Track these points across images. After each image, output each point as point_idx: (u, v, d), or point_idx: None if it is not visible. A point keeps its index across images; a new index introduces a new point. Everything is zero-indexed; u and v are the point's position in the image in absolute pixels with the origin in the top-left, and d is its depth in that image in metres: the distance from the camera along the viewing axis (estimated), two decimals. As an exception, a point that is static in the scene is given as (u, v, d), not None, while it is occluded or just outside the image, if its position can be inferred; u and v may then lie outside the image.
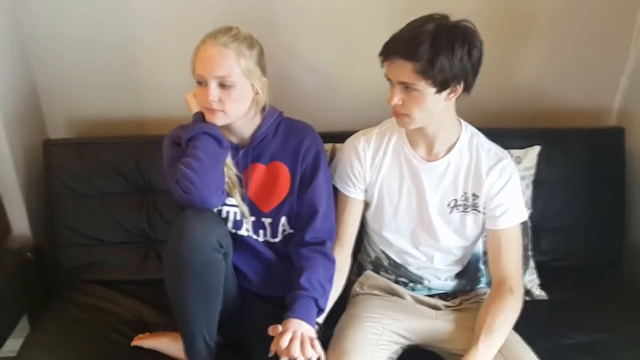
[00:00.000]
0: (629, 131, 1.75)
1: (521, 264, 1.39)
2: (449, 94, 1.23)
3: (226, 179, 1.31)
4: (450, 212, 1.38)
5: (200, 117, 1.28)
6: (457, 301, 1.46)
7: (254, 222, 1.38)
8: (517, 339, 1.32)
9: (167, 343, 1.42)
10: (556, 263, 1.72)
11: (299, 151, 1.35)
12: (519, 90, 1.83)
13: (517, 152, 1.61)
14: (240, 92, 1.25)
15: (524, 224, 1.54)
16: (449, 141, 1.35)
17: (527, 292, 1.60)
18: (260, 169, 1.36)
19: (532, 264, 1.64)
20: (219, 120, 1.26)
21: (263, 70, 1.30)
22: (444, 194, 1.38)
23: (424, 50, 1.15)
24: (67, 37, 1.67)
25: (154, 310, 1.56)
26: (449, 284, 1.48)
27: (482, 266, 1.51)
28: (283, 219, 1.37)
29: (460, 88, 1.23)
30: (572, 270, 1.71)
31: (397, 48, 1.19)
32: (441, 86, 1.20)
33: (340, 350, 1.27)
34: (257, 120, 1.35)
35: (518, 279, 1.36)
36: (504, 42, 1.75)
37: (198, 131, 1.25)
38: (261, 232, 1.39)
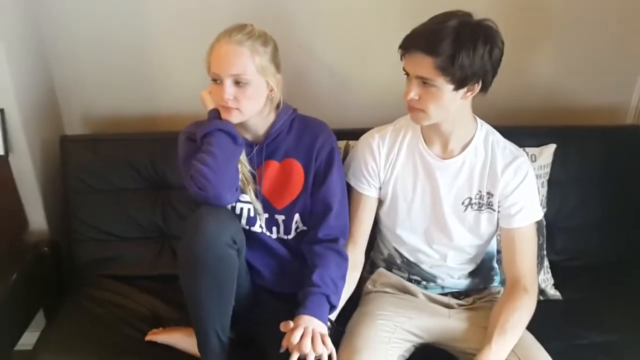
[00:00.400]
0: (646, 130, 1.73)
1: (536, 263, 1.38)
2: (466, 92, 1.22)
3: (240, 176, 1.32)
4: (465, 210, 1.37)
5: (215, 114, 1.29)
6: (470, 300, 1.46)
7: (267, 219, 1.38)
8: (531, 338, 1.31)
9: (181, 338, 1.44)
10: (570, 262, 1.71)
11: (313, 148, 1.35)
12: (533, 88, 1.82)
13: (532, 150, 1.59)
14: (255, 90, 1.25)
15: (538, 223, 1.53)
16: (464, 139, 1.35)
17: (541, 292, 1.59)
18: (274, 166, 1.36)
19: (546, 263, 1.63)
20: (235, 118, 1.27)
21: (277, 67, 1.30)
22: (459, 192, 1.37)
23: (446, 46, 1.15)
24: (83, 36, 1.69)
25: (168, 306, 1.57)
26: (462, 283, 1.47)
27: (495, 265, 1.50)
28: (296, 216, 1.38)
29: (477, 87, 1.22)
30: (586, 270, 1.70)
31: (419, 42, 1.19)
32: (459, 84, 1.19)
33: (352, 348, 1.27)
34: (272, 117, 1.36)
35: (532, 278, 1.35)
36: (519, 39, 1.72)
37: (213, 128, 1.25)
38: (274, 229, 1.39)
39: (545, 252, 1.62)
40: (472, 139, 1.35)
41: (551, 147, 1.62)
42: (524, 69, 1.79)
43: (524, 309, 1.29)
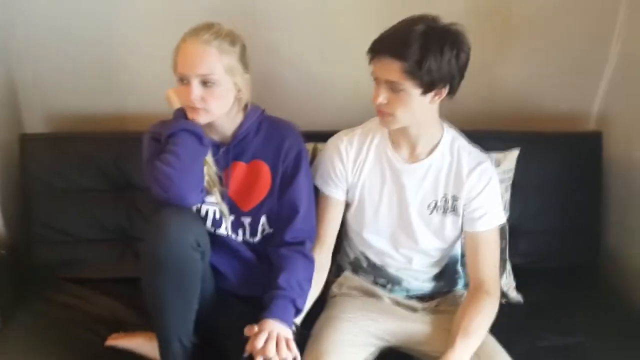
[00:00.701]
0: (606, 136, 1.77)
1: (498, 266, 1.40)
2: (434, 96, 1.23)
3: (206, 177, 1.30)
4: (430, 213, 1.39)
5: (181, 113, 1.27)
6: (434, 303, 1.47)
7: (232, 221, 1.37)
8: (493, 341, 1.33)
9: (142, 343, 1.40)
10: (533, 266, 1.73)
11: (281, 150, 1.34)
12: (499, 93, 1.85)
13: (496, 155, 1.62)
14: (223, 90, 1.24)
15: (502, 226, 1.56)
16: (430, 143, 1.36)
17: (503, 295, 1.61)
18: (241, 167, 1.35)
19: (508, 266, 1.65)
20: (202, 118, 1.25)
21: (245, 66, 1.29)
22: (425, 196, 1.38)
23: (414, 51, 1.15)
24: (45, 30, 1.64)
25: (130, 310, 1.54)
26: (427, 286, 1.48)
27: (459, 268, 1.52)
28: (263, 218, 1.37)
29: (445, 91, 1.23)
30: (548, 273, 1.73)
31: (387, 46, 1.19)
32: (427, 88, 1.20)
33: (317, 352, 1.27)
34: (239, 118, 1.34)
35: (495, 282, 1.37)
36: (485, 45, 1.74)
37: (178, 128, 1.23)
38: (240, 231, 1.38)
39: (507, 256, 1.65)
40: (438, 142, 1.36)
41: (515, 152, 1.65)
42: (490, 74, 1.81)
43: (487, 312, 1.31)
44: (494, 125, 1.81)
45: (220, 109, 1.27)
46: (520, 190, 1.68)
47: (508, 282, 1.64)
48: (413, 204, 1.38)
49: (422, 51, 1.15)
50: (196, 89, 1.21)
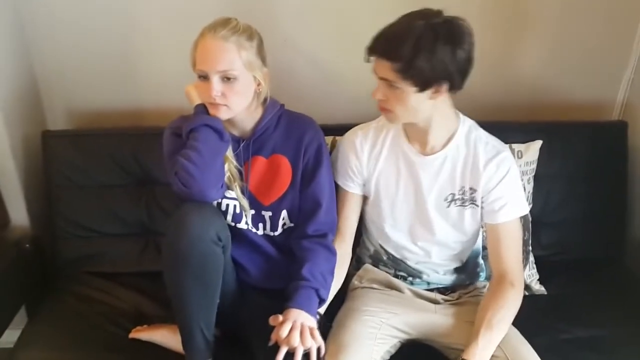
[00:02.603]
0: (632, 125, 1.74)
1: (521, 258, 1.39)
2: (434, 92, 1.20)
3: (226, 172, 1.31)
4: (448, 206, 1.37)
5: (202, 108, 1.27)
6: (455, 295, 1.46)
7: (253, 215, 1.37)
8: (516, 333, 1.32)
9: (165, 335, 1.42)
10: (556, 258, 1.71)
11: (301, 144, 1.34)
12: (520, 84, 1.82)
13: (518, 147, 1.59)
14: (243, 85, 1.24)
15: (524, 218, 1.55)
16: (444, 135, 1.34)
17: (526, 287, 1.60)
18: (261, 162, 1.35)
19: (531, 258, 1.63)
20: (223, 114, 1.26)
21: (263, 60, 1.29)
22: (442, 188, 1.36)
23: (404, 51, 1.13)
24: (67, 29, 1.66)
25: (153, 303, 1.56)
26: (448, 278, 1.47)
27: (481, 261, 1.50)
28: (284, 213, 1.37)
29: (445, 87, 1.20)
30: (571, 266, 1.71)
31: (378, 46, 1.18)
32: (422, 86, 1.17)
33: (338, 343, 1.27)
34: (259, 112, 1.34)
35: (519, 273, 1.35)
36: (506, 34, 1.74)
37: (199, 123, 1.24)
38: (261, 225, 1.38)
39: (530, 248, 1.63)
40: (453, 135, 1.34)
41: (537, 144, 1.62)
42: (510, 64, 1.79)
43: (511, 305, 1.30)
44: (516, 117, 1.79)
45: (241, 104, 1.27)
46: (543, 182, 1.66)
47: (531, 274, 1.63)
48: (429, 197, 1.37)
49: (413, 51, 1.13)
50: (217, 85, 1.21)
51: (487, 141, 1.36)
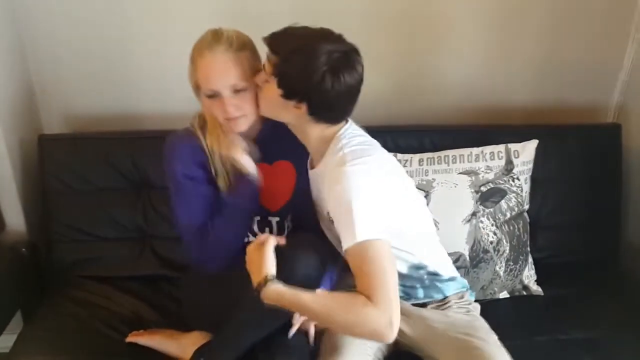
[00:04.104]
0: (626, 128, 1.75)
1: (386, 279, 1.07)
2: (294, 107, 1.16)
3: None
4: (332, 224, 1.20)
5: (248, 186, 1.29)
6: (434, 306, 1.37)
7: (259, 221, 1.38)
8: (494, 339, 1.26)
9: (162, 340, 1.40)
10: (553, 259, 1.72)
11: (304, 150, 1.33)
12: (515, 86, 1.83)
13: (514, 147, 1.60)
14: (253, 92, 1.24)
15: (522, 220, 1.55)
16: (316, 152, 1.27)
17: (525, 288, 1.61)
18: (265, 169, 1.35)
19: (530, 259, 1.64)
20: (243, 125, 1.26)
21: (260, 62, 1.28)
22: (324, 205, 1.25)
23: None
24: (63, 32, 1.66)
25: (149, 307, 1.55)
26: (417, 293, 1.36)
27: (424, 277, 1.34)
28: (290, 217, 1.40)
29: (303, 107, 1.15)
30: (568, 267, 1.71)
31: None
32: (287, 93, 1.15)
33: (334, 344, 1.27)
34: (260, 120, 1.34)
35: (381, 294, 1.05)
36: (501, 37, 1.75)
37: (238, 205, 1.29)
38: (267, 230, 1.40)
39: (528, 249, 1.63)
40: (324, 154, 1.24)
41: (533, 143, 1.62)
42: (506, 67, 1.80)
43: (358, 309, 1.05)
44: (511, 119, 1.80)
45: (256, 111, 1.26)
46: (540, 184, 1.67)
47: (529, 275, 1.63)
48: (322, 212, 1.29)
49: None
50: (230, 99, 1.21)
51: (340, 159, 1.17)
